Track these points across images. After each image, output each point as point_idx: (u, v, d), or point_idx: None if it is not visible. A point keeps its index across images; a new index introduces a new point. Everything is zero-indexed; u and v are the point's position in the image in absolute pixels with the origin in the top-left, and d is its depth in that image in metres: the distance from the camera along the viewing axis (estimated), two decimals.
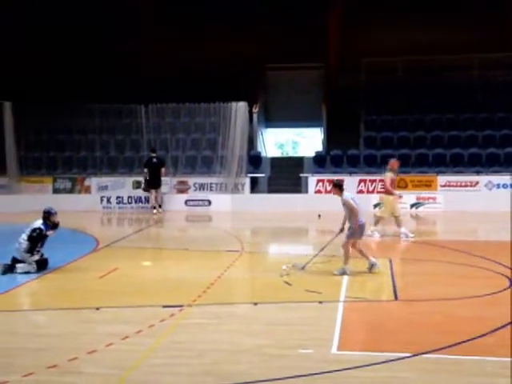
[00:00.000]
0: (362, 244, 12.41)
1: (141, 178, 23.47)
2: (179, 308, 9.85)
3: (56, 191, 24.02)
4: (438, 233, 19.99)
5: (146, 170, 22.67)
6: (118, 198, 23.53)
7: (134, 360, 7.70)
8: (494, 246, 15.57)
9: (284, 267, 12.37)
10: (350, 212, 11.76)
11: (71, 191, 24.03)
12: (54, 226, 12.77)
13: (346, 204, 11.80)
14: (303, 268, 12.30)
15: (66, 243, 16.87)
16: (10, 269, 12.45)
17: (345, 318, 9.25)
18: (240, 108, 23.61)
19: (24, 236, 12.62)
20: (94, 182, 24.03)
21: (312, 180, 23.17)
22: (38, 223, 12.64)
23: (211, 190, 23.73)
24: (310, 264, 12.51)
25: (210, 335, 8.63)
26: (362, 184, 22.73)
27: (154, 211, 22.39)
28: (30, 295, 11.47)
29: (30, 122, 24.78)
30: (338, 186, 11.87)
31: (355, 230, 11.83)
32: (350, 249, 11.98)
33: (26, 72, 24.91)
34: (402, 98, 25.49)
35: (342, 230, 12.20)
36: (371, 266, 11.98)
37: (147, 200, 23.20)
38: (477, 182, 22.31)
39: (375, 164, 23.57)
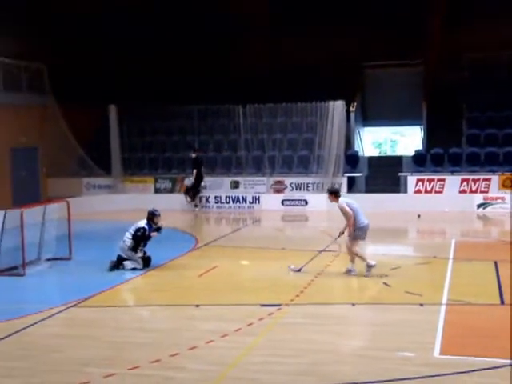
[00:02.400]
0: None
1: (237, 178, 23.92)
2: (277, 307, 9.91)
3: (157, 191, 24.76)
4: None
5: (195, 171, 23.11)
6: (216, 197, 23.96)
7: (234, 357, 7.82)
8: None
9: (291, 267, 12.44)
10: (344, 216, 12.02)
11: (171, 191, 24.69)
12: (158, 228, 13.14)
13: (341, 209, 12.05)
14: (299, 270, 12.33)
15: (167, 241, 17.34)
16: (116, 266, 12.95)
17: (447, 322, 8.99)
18: (337, 107, 23.41)
19: (128, 234, 13.08)
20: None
21: (411, 179, 22.65)
22: (143, 223, 13.08)
23: (308, 189, 23.69)
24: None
25: (308, 335, 8.63)
26: (465, 183, 21.97)
27: (197, 209, 22.98)
28: (134, 291, 11.90)
29: (133, 124, 25.73)
30: (334, 193, 12.30)
31: (352, 233, 11.91)
32: (358, 249, 12.09)
33: (129, 75, 25.82)
34: (506, 94, 24.43)
35: (341, 233, 12.29)
36: (368, 268, 11.84)
37: (244, 200, 23.52)
38: None
39: (478, 162, 22.73)
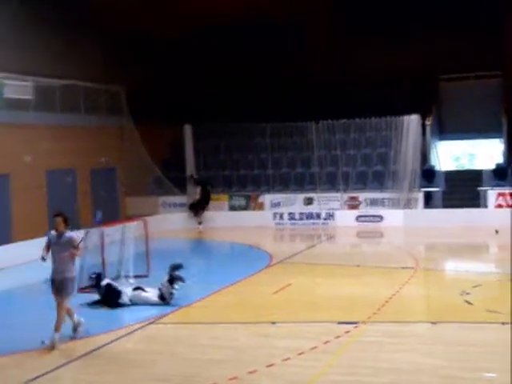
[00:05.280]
0: None
1: (310, 195, 23.86)
2: (354, 325, 9.76)
3: (232, 208, 25.00)
4: None
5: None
6: (289, 214, 23.96)
7: (311, 376, 7.74)
8: None
9: None
10: None
11: (246, 208, 24.87)
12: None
13: None
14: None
15: (242, 259, 17.51)
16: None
17: None
18: (412, 121, 23.01)
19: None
20: (267, 198, 24.68)
21: (492, 194, 21.94)
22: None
23: (383, 205, 23.34)
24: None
25: (387, 354, 8.45)
26: None
27: (201, 227, 23.28)
28: (211, 309, 11.94)
29: (207, 143, 26.14)
30: None
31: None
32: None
33: (203, 95, 26.27)
34: None
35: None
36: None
37: (318, 216, 23.41)
38: None
39: None
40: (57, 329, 9.38)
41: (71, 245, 9.55)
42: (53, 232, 9.84)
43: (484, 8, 24.67)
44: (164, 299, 11.84)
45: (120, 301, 11.96)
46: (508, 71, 25.29)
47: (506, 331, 9.15)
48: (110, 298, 11.99)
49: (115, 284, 12.35)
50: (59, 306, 9.51)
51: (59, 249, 9.54)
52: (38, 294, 13.69)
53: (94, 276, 12.44)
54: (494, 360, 7.99)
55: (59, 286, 9.53)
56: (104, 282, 12.18)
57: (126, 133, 24.06)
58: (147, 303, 11.88)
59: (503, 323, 9.50)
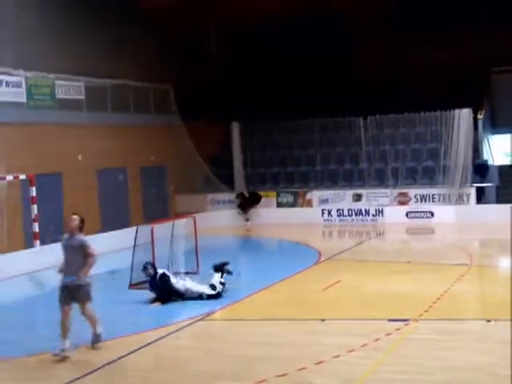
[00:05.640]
0: None
1: (359, 191, 23.65)
2: (405, 322, 9.61)
3: (279, 205, 24.94)
4: None
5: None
6: (338, 210, 23.77)
7: (361, 373, 7.65)
8: None
9: None
10: None
11: (293, 205, 24.79)
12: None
13: None
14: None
15: (291, 255, 17.45)
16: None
17: None
18: (464, 115, 22.53)
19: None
20: (315, 195, 24.54)
21: None
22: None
23: (433, 201, 22.93)
24: None
25: (439, 352, 8.28)
26: None
27: (248, 224, 23.52)
28: (259, 305, 11.93)
29: (255, 140, 26.17)
30: None
31: None
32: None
33: (250, 91, 26.32)
34: None
35: None
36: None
37: (367, 212, 23.17)
38: None
39: None
40: (94, 329, 8.99)
41: (83, 250, 8.82)
42: (65, 235, 9.17)
43: None
44: (215, 289, 11.93)
45: (175, 288, 11.91)
46: None
47: None
48: (166, 287, 11.93)
49: (169, 273, 12.46)
50: (83, 313, 8.93)
51: (71, 251, 8.87)
52: None
53: (148, 266, 12.34)
54: None
55: (74, 293, 8.81)
56: (160, 271, 12.24)
57: (174, 131, 24.27)
58: (199, 293, 11.94)
59: None
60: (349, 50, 26.90)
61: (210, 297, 11.93)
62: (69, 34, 20.26)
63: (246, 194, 24.50)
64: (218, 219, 23.41)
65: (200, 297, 11.95)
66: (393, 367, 7.82)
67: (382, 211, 23.10)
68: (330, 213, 23.80)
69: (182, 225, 14.67)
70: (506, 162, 27.38)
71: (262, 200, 24.54)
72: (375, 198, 23.56)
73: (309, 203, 24.47)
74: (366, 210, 23.39)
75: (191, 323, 10.46)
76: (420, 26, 25.96)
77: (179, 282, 12.14)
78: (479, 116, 23.74)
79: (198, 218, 16.03)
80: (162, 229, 14.04)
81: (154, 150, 23.22)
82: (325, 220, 23.68)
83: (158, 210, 22.79)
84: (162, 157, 23.71)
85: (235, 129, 25.33)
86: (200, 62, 25.34)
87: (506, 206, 21.27)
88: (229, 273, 12.30)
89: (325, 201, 24.05)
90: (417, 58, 25.92)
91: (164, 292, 11.97)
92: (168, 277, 12.12)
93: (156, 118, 23.82)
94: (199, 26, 24.53)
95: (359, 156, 24.80)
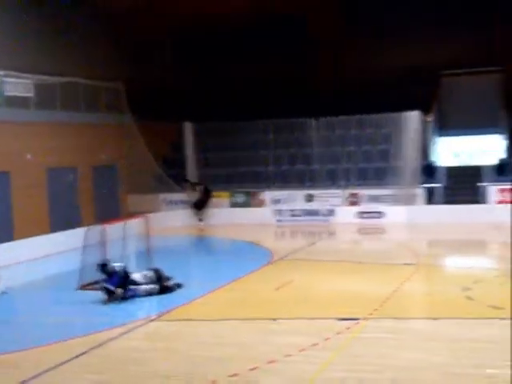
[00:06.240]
0: None
1: (311, 191, 23.86)
2: (355, 321, 9.75)
3: (233, 205, 24.96)
4: None
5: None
6: (290, 210, 23.92)
7: (313, 372, 7.73)
8: None
9: None
10: None
11: (247, 205, 24.83)
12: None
13: None
14: None
15: (243, 255, 17.49)
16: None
17: None
18: (413, 117, 23.00)
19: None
20: (268, 195, 24.64)
21: (493, 190, 21.91)
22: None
23: (384, 201, 23.31)
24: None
25: (388, 350, 8.44)
26: None
27: (202, 224, 23.54)
28: (212, 305, 11.91)
29: (208, 141, 26.10)
30: None
31: None
32: None
33: (203, 91, 26.25)
34: None
35: None
36: None
37: (319, 213, 23.38)
38: None
39: None
40: None
41: None
42: None
43: (483, 4, 24.67)
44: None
45: (131, 279, 12.26)
46: (508, 67, 25.24)
47: (507, 327, 9.14)
48: (122, 279, 12.18)
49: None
50: None
51: None
52: (36, 291, 13.75)
53: (108, 263, 12.45)
54: (495, 356, 7.97)
55: None
56: (120, 264, 12.45)
57: (126, 130, 24.01)
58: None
59: (505, 319, 9.48)
60: (300, 53, 27.13)
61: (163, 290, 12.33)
62: (18, 30, 19.84)
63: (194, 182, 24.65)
64: (171, 219, 23.27)
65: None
66: (343, 366, 7.93)
67: (333, 211, 23.36)
68: (282, 213, 23.94)
69: (134, 225, 14.51)
70: (453, 163, 28.03)
71: (215, 200, 24.49)
72: (327, 198, 23.81)
73: (262, 203, 24.56)
74: (317, 211, 23.61)
75: (143, 324, 10.38)
76: (370, 28, 26.35)
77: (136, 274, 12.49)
78: (428, 118, 24.25)
79: (151, 218, 15.89)
80: (113, 229, 13.86)
81: (105, 149, 22.93)
82: (277, 220, 23.80)
83: (109, 210, 22.51)
84: (114, 156, 23.44)
85: (188, 129, 25.24)
86: (152, 61, 25.16)
87: (453, 207, 21.83)
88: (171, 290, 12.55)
89: (277, 201, 24.16)
90: (367, 61, 26.27)
91: (127, 284, 12.18)
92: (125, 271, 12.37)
93: (107, 116, 23.51)
94: (152, 25, 24.34)
95: (311, 157, 25.02)
